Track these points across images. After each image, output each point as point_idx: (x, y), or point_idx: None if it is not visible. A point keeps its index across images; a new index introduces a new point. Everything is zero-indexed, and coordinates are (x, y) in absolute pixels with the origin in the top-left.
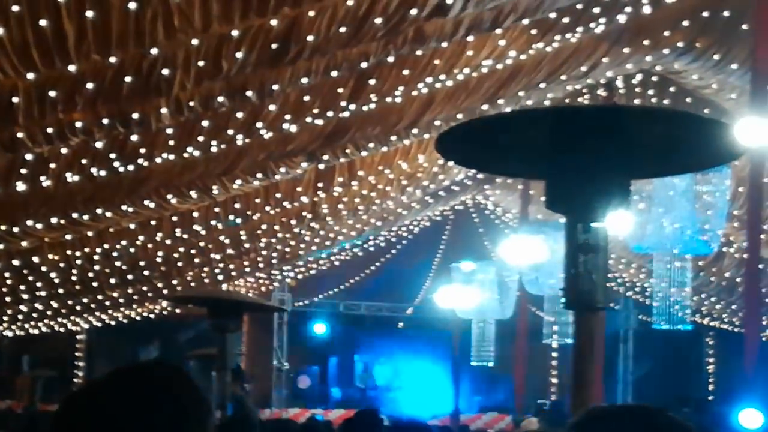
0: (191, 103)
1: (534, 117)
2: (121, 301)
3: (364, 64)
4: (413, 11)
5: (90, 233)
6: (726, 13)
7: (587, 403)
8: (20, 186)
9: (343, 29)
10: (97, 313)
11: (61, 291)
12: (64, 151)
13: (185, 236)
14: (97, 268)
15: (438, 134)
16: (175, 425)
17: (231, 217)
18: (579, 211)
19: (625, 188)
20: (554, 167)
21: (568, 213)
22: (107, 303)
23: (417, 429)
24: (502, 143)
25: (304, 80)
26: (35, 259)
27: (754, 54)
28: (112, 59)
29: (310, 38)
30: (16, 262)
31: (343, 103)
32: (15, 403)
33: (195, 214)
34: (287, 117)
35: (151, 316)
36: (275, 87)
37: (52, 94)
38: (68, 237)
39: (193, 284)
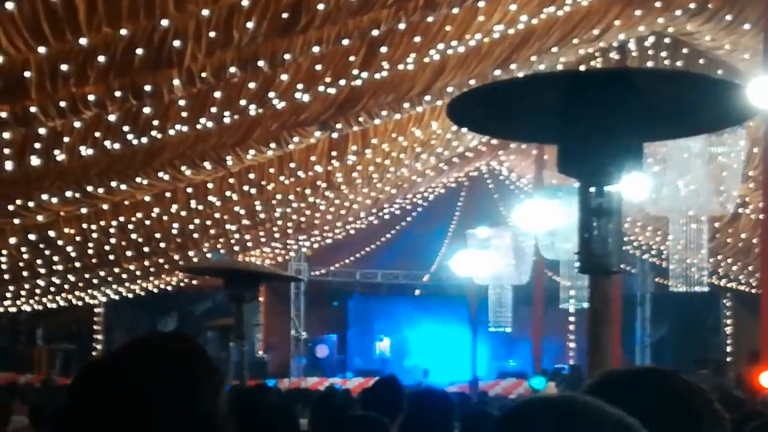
0: (203, 74)
1: (544, 81)
2: (138, 273)
3: (375, 32)
4: None
5: (105, 206)
6: None
7: (604, 367)
8: (34, 160)
9: None
10: (114, 286)
11: (77, 264)
12: (77, 124)
13: (200, 207)
14: (113, 241)
15: (449, 101)
16: (188, 395)
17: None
18: (591, 175)
19: (637, 151)
20: (566, 131)
21: (581, 177)
22: (124, 276)
23: (436, 397)
24: (513, 108)
25: (316, 49)
26: (51, 234)
27: (766, 14)
28: (123, 32)
29: (320, 7)
30: (32, 237)
31: (355, 72)
32: (34, 377)
33: (209, 185)
34: (299, 86)
35: (168, 288)
36: (287, 56)
37: (63, 67)
38: (83, 210)
39: (209, 255)
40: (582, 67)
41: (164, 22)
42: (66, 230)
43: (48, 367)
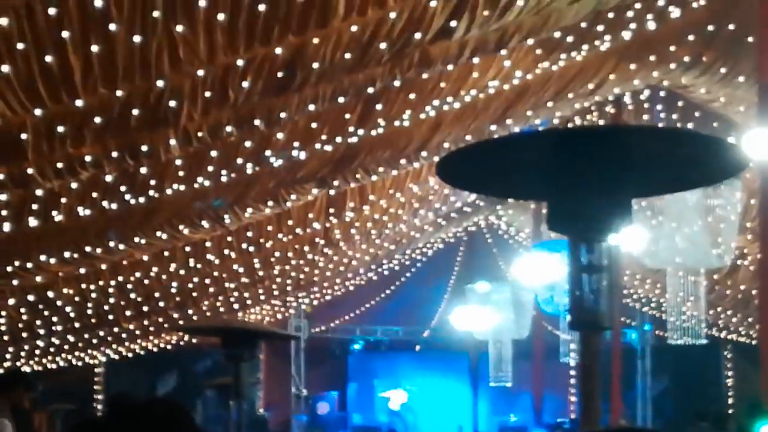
0: (200, 134)
1: (532, 139)
2: (137, 332)
3: (370, 89)
4: (418, 35)
5: (104, 266)
6: (731, 27)
7: (595, 421)
8: (32, 221)
9: (348, 55)
10: (114, 346)
11: (77, 325)
12: (74, 185)
13: (199, 266)
14: (112, 300)
15: (438, 160)
16: None
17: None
18: (580, 232)
19: (626, 207)
20: (554, 188)
21: (570, 233)
22: (123, 335)
23: None
24: (502, 166)
25: (312, 107)
26: (50, 294)
27: (760, 66)
28: (119, 92)
29: (315, 65)
30: (31, 298)
31: (352, 129)
32: None
33: (208, 244)
34: (296, 144)
35: (168, 346)
36: (283, 115)
37: (60, 129)
38: (82, 271)
39: (208, 314)
40: (577, 121)
41: (160, 83)
42: (65, 290)
43: (48, 429)
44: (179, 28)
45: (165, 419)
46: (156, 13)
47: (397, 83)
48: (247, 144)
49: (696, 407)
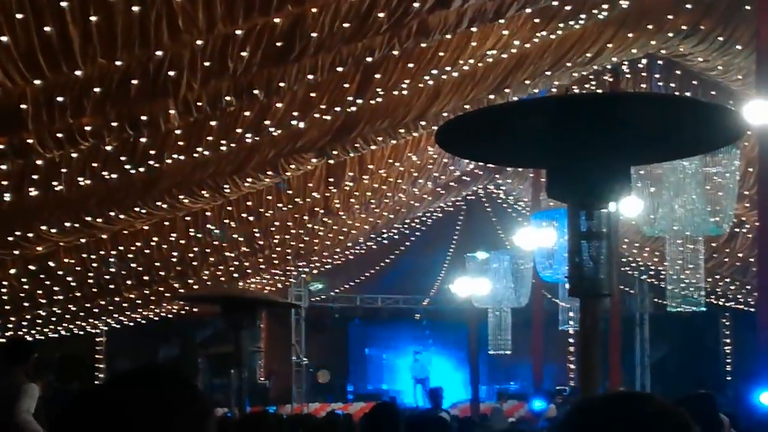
0: (199, 104)
1: (532, 107)
2: (139, 301)
3: (369, 59)
4: (416, 4)
5: (104, 236)
6: None
7: (595, 388)
8: (33, 192)
9: (346, 25)
10: (116, 315)
11: (78, 294)
12: (74, 155)
13: (199, 236)
14: (113, 270)
15: (438, 128)
16: (167, 427)
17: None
18: (580, 199)
19: (625, 175)
20: (554, 156)
21: (570, 201)
22: (125, 304)
23: (432, 421)
24: (501, 134)
25: (311, 77)
26: (51, 264)
27: (758, 34)
28: (119, 62)
29: (314, 35)
30: (32, 267)
31: (351, 98)
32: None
33: (208, 213)
34: (295, 114)
35: (169, 315)
36: (282, 84)
37: (60, 99)
38: (83, 240)
39: (209, 283)
40: (575, 90)
41: (159, 53)
42: (66, 260)
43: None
44: None
45: (165, 387)
46: None
47: (395, 52)
48: (247, 114)
49: (694, 374)
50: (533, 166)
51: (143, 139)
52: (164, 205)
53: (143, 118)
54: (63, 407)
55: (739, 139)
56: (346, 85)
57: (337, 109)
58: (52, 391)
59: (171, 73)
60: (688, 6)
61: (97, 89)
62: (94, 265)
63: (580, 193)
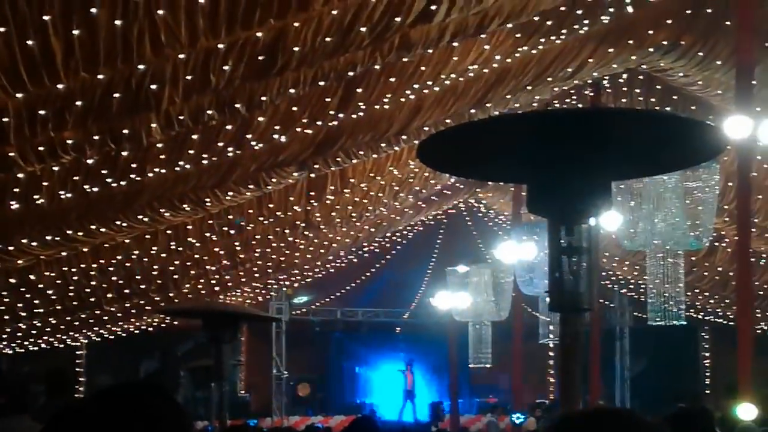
0: (181, 117)
1: (512, 122)
2: (119, 315)
3: (351, 73)
4: (398, 18)
5: (85, 249)
6: (709, 10)
7: (575, 402)
8: (14, 205)
9: (329, 39)
10: (96, 328)
11: (58, 307)
12: (56, 168)
13: (180, 249)
14: (93, 283)
15: (419, 143)
16: None
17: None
18: (560, 214)
19: (606, 190)
20: (533, 171)
21: (550, 216)
22: (105, 317)
23: None
24: (482, 149)
25: (292, 91)
26: (32, 277)
27: (737, 50)
28: (101, 76)
29: (296, 49)
30: (12, 280)
31: (332, 112)
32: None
33: (189, 227)
34: (277, 128)
35: (150, 329)
36: (264, 98)
37: (42, 112)
38: (64, 254)
39: (190, 296)
40: (556, 105)
41: (141, 66)
42: (46, 273)
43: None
44: (161, 11)
45: (146, 402)
46: None
47: (377, 67)
48: (228, 128)
49: (673, 388)
50: (513, 181)
51: (125, 153)
52: (145, 219)
53: (125, 131)
54: (48, 421)
55: (720, 154)
56: (328, 99)
57: (319, 123)
58: (40, 405)
59: (153, 87)
60: (669, 21)
61: (79, 103)
62: (75, 278)
63: (560, 209)
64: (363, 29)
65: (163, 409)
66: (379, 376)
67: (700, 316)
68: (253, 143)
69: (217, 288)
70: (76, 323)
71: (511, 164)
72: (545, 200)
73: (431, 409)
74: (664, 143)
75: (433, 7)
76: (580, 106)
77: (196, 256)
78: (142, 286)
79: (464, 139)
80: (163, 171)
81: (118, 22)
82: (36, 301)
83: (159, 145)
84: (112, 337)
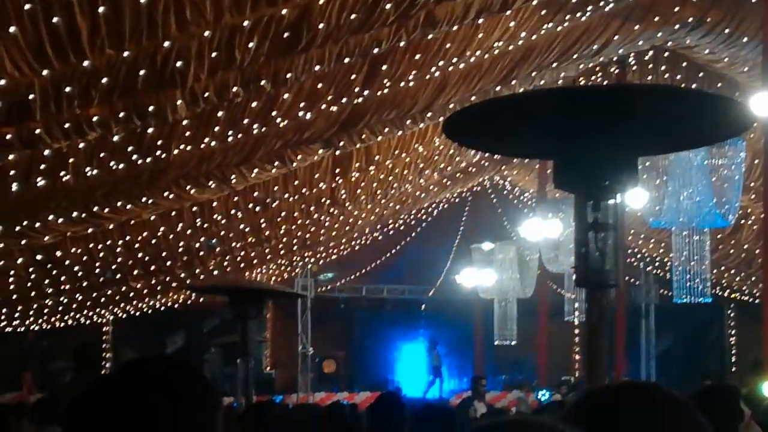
0: (206, 94)
1: (540, 97)
2: (145, 291)
3: (376, 50)
4: None
5: (111, 226)
6: None
7: (601, 379)
8: (40, 181)
9: (354, 16)
10: (122, 305)
11: (84, 284)
12: (82, 145)
13: (205, 226)
14: (119, 260)
15: (446, 118)
16: (176, 418)
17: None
18: (587, 190)
19: (633, 166)
20: (561, 146)
21: (577, 192)
22: (131, 294)
23: (438, 411)
24: (509, 124)
25: (318, 68)
26: (58, 254)
27: (764, 27)
28: (126, 53)
29: (321, 26)
30: (39, 257)
31: (357, 89)
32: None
33: (214, 204)
34: (302, 105)
35: (175, 306)
36: (289, 75)
37: (67, 89)
38: (90, 230)
39: (215, 273)
40: (581, 82)
41: (167, 43)
42: (73, 250)
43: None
44: None
45: (172, 378)
46: None
47: (402, 44)
48: (254, 105)
49: (698, 365)
50: (541, 157)
51: (150, 130)
52: (171, 196)
53: (150, 108)
54: (76, 397)
55: (746, 130)
56: (353, 77)
57: (344, 100)
58: (67, 381)
59: (178, 64)
60: None
61: (104, 80)
62: (101, 254)
63: (587, 184)
64: (388, 6)
65: (191, 384)
66: (403, 354)
67: (725, 294)
68: (279, 120)
69: (242, 265)
70: (102, 300)
71: (539, 140)
72: (572, 176)
73: (472, 384)
74: (691, 119)
75: None
76: (605, 83)
77: (222, 232)
78: (168, 263)
79: (492, 115)
80: (188, 148)
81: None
82: (62, 278)
83: (184, 123)
84: (138, 314)
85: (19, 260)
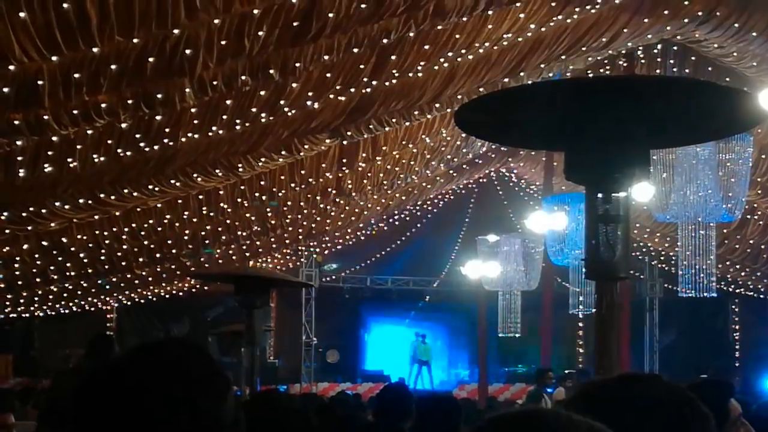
0: (215, 83)
1: (551, 89)
2: (150, 279)
3: (385, 40)
4: None
5: (117, 213)
6: None
7: (611, 371)
8: (48, 168)
9: (363, 6)
10: (127, 292)
11: (90, 270)
12: (90, 132)
13: (211, 214)
14: (125, 247)
15: (457, 108)
16: (188, 401)
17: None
18: (598, 182)
19: (644, 158)
20: (573, 138)
21: (588, 183)
22: (136, 281)
23: (443, 401)
24: (520, 116)
25: (326, 57)
26: (64, 240)
27: None
28: (135, 40)
29: (331, 15)
30: (45, 243)
31: (366, 79)
32: (47, 382)
33: (221, 192)
34: (310, 94)
35: (180, 293)
36: (297, 64)
37: (76, 76)
38: (96, 217)
39: (220, 261)
40: (590, 74)
41: (176, 31)
42: (79, 237)
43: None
44: None
45: (183, 357)
46: None
47: (411, 34)
48: (262, 93)
49: (703, 359)
50: (552, 148)
51: (158, 117)
52: (178, 183)
53: (159, 96)
54: (84, 379)
55: (757, 124)
56: (362, 67)
57: (352, 90)
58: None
59: (187, 52)
60: None
61: (113, 67)
62: (107, 241)
63: (598, 176)
64: None
65: (203, 366)
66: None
67: (730, 289)
68: (286, 109)
69: (247, 254)
70: (107, 287)
71: (550, 131)
72: (583, 167)
73: (538, 376)
74: (702, 112)
75: None
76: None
77: (228, 221)
78: (173, 251)
79: (503, 106)
80: (196, 136)
81: None
82: (68, 264)
83: (192, 110)
84: (143, 301)
85: (25, 246)
